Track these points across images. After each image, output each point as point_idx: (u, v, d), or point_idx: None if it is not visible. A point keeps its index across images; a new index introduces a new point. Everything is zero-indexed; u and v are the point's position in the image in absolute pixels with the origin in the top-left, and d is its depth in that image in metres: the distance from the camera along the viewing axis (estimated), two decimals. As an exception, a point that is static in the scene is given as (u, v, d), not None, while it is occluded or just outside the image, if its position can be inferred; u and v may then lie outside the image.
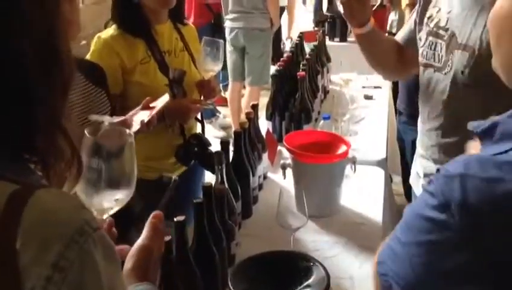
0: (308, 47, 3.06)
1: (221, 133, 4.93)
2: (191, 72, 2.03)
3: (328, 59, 3.13)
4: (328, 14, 4.37)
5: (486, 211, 0.71)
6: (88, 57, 1.94)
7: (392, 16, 4.35)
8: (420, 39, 1.75)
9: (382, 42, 1.93)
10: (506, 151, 0.77)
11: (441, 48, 1.63)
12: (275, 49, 4.85)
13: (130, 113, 1.68)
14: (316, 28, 4.36)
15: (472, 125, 0.88)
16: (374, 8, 4.02)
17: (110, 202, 0.97)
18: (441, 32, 1.64)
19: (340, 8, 1.82)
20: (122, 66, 1.92)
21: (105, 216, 0.99)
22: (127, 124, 1.58)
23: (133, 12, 1.95)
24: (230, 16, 4.24)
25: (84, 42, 2.30)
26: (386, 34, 4.08)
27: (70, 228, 0.60)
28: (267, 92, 4.63)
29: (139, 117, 1.65)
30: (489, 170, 0.74)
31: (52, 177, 0.68)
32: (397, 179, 3.41)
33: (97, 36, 1.96)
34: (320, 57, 2.94)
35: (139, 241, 0.95)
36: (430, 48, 1.68)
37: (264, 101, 4.66)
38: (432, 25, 1.68)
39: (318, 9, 4.71)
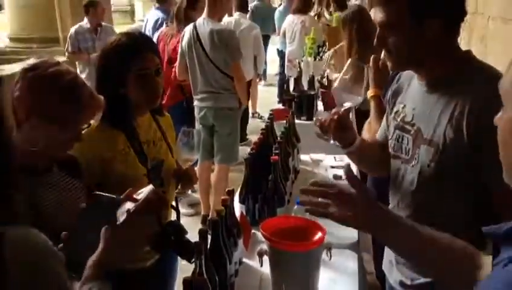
0: (277, 127, 3.13)
1: (190, 211, 4.88)
2: (168, 161, 2.05)
3: (298, 139, 3.20)
4: (294, 93, 4.48)
5: None
6: None
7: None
8: (389, 132, 1.85)
9: (369, 150, 2.03)
10: None
11: (407, 142, 1.73)
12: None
13: None
14: (283, 106, 4.46)
15: (487, 229, 0.90)
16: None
17: None
18: (407, 127, 1.74)
19: (317, 129, 1.98)
20: (101, 158, 1.92)
21: None
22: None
23: (118, 105, 1.96)
24: (200, 95, 4.32)
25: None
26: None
27: None
28: (235, 167, 4.68)
29: (125, 207, 1.63)
30: None
31: None
32: (367, 256, 3.42)
33: None
34: (291, 138, 3.00)
35: None
36: (398, 141, 1.78)
37: (232, 176, 4.69)
38: (398, 119, 1.79)
39: (286, 88, 4.83)
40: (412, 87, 1.78)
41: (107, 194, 1.46)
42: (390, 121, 1.85)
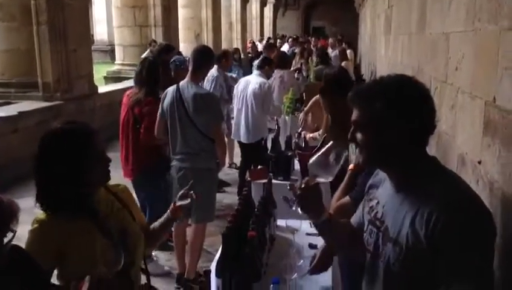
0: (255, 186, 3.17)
1: (164, 269, 4.84)
2: (132, 228, 2.13)
3: (274, 205, 3.25)
4: (271, 154, 4.58)
5: None
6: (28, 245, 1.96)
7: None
8: (364, 225, 1.91)
9: (338, 229, 2.06)
10: None
11: (377, 238, 1.78)
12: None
13: None
14: (261, 166, 4.55)
15: None
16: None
17: None
18: (378, 223, 1.80)
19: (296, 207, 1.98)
20: (60, 249, 1.96)
21: None
22: None
23: (72, 192, 2.01)
24: (178, 156, 4.36)
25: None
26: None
27: None
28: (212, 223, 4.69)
29: None
30: None
31: None
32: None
33: (35, 222, 2.01)
34: (267, 208, 3.05)
35: None
36: (371, 236, 1.83)
37: (208, 230, 4.69)
38: (372, 215, 1.85)
39: (264, 147, 4.94)
40: (385, 184, 1.85)
41: None
42: (364, 214, 1.92)
